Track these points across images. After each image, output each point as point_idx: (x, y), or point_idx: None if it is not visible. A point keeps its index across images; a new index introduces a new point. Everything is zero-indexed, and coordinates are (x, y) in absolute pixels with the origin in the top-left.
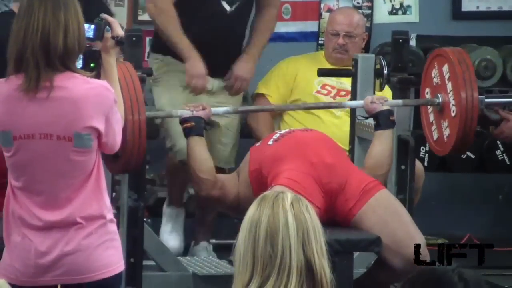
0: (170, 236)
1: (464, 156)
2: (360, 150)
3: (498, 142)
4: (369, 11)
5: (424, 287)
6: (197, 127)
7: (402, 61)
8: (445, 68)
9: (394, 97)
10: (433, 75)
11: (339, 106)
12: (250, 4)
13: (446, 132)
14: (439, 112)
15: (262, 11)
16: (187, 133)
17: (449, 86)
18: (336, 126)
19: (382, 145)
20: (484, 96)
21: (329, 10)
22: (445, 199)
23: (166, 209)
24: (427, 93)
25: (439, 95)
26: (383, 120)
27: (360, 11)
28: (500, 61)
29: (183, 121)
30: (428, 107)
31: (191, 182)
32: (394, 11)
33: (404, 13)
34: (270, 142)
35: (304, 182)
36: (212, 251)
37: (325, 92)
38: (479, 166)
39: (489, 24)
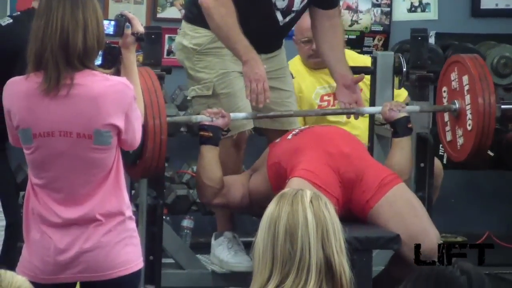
0: (241, 257)
1: None
2: (379, 148)
3: None
4: (388, 9)
5: (427, 284)
6: (214, 138)
7: (421, 58)
8: (465, 79)
9: (412, 95)
10: (452, 77)
11: (357, 113)
12: (303, 11)
13: (460, 140)
14: (455, 117)
15: (334, 31)
16: (203, 142)
17: (467, 98)
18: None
19: (402, 152)
20: (500, 105)
21: (348, 7)
22: (464, 196)
23: (220, 238)
24: (444, 91)
25: (456, 102)
26: (400, 128)
27: (379, 8)
28: None
29: (201, 129)
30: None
31: (196, 187)
32: (413, 8)
33: (423, 10)
34: (290, 137)
35: (322, 173)
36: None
37: (326, 103)
38: (498, 164)
39: (508, 21)
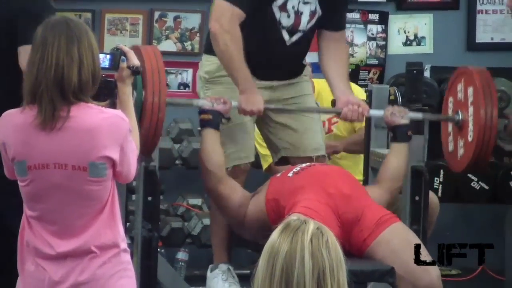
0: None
1: (478, 187)
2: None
3: None
4: (384, 42)
5: None
6: (214, 120)
7: (417, 92)
8: (471, 91)
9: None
10: (458, 88)
11: (361, 113)
12: (312, 34)
13: (461, 151)
14: (458, 128)
15: (340, 54)
16: (203, 125)
17: (470, 109)
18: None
19: (399, 158)
20: (503, 119)
21: None
22: (459, 229)
23: (215, 271)
24: (450, 101)
25: (460, 113)
26: (400, 134)
27: (375, 42)
28: None
29: (201, 112)
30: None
31: (201, 174)
32: (408, 42)
33: (418, 44)
34: (290, 174)
35: (321, 211)
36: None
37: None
38: (493, 197)
39: (503, 55)
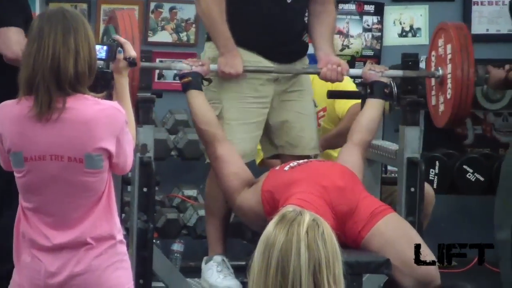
0: (230, 281)
1: (473, 179)
2: (369, 172)
3: None
4: (379, 34)
5: None
6: (195, 81)
7: (412, 83)
8: (449, 48)
9: (404, 120)
10: (439, 44)
11: (340, 73)
12: None
13: (442, 107)
14: (439, 84)
15: (327, 16)
16: (185, 88)
17: (449, 67)
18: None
19: (372, 112)
20: (484, 74)
21: (339, 32)
22: (454, 221)
23: (210, 262)
24: (433, 56)
25: (440, 69)
26: (377, 89)
27: (370, 33)
28: None
29: (181, 77)
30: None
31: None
32: (404, 33)
33: (414, 35)
34: (287, 168)
35: (316, 203)
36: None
37: None
38: (488, 189)
39: (498, 46)
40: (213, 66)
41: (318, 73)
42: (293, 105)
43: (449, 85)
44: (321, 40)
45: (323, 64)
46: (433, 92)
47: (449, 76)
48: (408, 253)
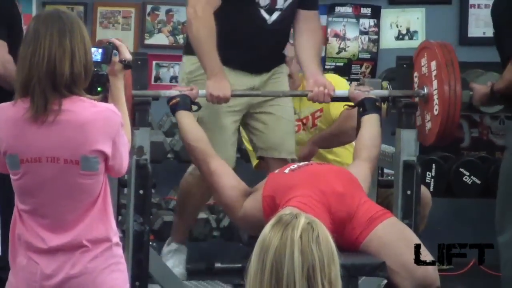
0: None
1: (470, 182)
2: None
3: None
4: (376, 37)
5: None
6: (183, 102)
7: (408, 86)
8: (433, 65)
9: (399, 122)
10: (422, 63)
11: (327, 94)
12: (292, 14)
13: (428, 125)
14: (424, 103)
15: (312, 34)
16: (174, 109)
17: (435, 83)
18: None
19: (371, 127)
20: (468, 91)
21: (336, 35)
22: (451, 224)
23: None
24: (416, 76)
25: (425, 87)
26: (369, 105)
27: (367, 36)
28: None
29: (169, 100)
30: None
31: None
32: (400, 36)
33: (410, 38)
34: (287, 171)
35: (315, 207)
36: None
37: (296, 129)
38: (485, 192)
39: (495, 49)
40: (202, 91)
41: (306, 95)
42: (274, 109)
43: (436, 101)
44: (307, 59)
45: (311, 86)
46: (418, 113)
47: (435, 92)
48: (406, 256)
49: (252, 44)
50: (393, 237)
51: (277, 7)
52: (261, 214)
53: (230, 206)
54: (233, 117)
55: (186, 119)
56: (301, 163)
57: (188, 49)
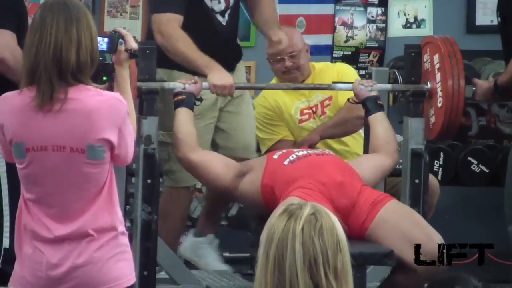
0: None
1: (478, 170)
2: None
3: None
4: (383, 25)
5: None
6: (188, 101)
7: (416, 74)
8: (436, 58)
9: (407, 110)
10: (425, 59)
11: (329, 88)
12: (237, 10)
13: (432, 119)
14: (428, 97)
15: (261, 5)
16: (178, 105)
17: (438, 76)
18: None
19: (382, 125)
20: (471, 86)
21: (344, 23)
22: (458, 213)
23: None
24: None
25: (428, 82)
26: (371, 105)
27: (375, 24)
28: None
29: (175, 95)
30: None
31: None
32: (408, 24)
33: (418, 26)
34: (286, 163)
35: (317, 197)
36: (217, 245)
37: (306, 117)
38: (493, 180)
39: None
40: (205, 83)
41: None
42: (230, 107)
43: (439, 93)
44: (264, 22)
45: (275, 36)
46: None
47: (438, 85)
48: (415, 233)
49: (215, 49)
50: (397, 218)
51: (229, 7)
52: (259, 199)
53: (225, 192)
54: (204, 122)
55: (184, 116)
56: (300, 153)
57: (159, 61)
